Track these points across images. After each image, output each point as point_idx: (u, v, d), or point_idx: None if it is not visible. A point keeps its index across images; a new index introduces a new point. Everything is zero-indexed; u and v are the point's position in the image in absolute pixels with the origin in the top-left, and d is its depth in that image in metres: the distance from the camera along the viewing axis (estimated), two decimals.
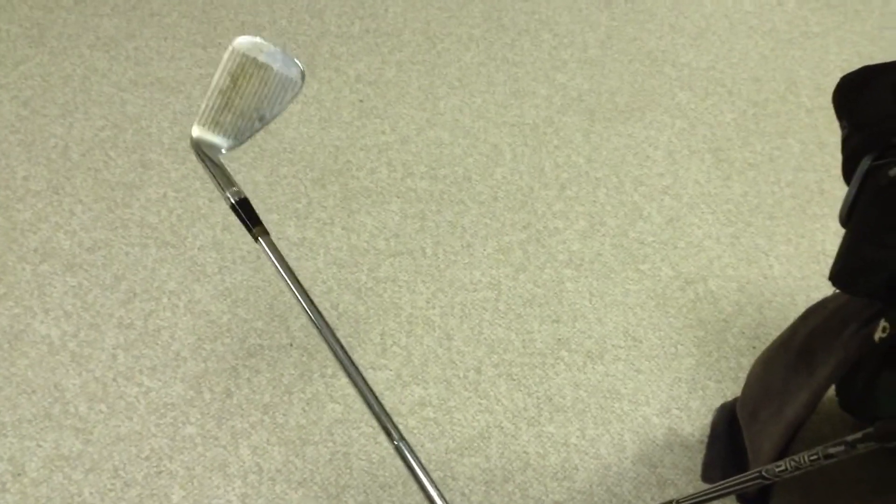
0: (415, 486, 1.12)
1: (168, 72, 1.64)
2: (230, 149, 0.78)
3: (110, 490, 1.09)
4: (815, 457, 0.70)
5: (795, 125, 1.71)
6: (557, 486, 1.14)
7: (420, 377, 1.25)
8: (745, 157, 1.64)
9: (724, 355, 1.31)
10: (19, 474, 1.09)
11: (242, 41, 0.80)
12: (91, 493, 1.08)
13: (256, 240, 0.76)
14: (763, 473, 0.74)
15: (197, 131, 0.78)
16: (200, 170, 1.48)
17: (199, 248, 1.37)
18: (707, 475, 1.13)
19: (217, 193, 1.45)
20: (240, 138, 0.79)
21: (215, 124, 0.78)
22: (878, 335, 0.76)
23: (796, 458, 0.72)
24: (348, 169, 1.53)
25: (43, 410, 1.16)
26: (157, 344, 1.25)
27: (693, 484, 1.15)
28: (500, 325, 1.33)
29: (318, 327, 0.80)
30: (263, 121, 0.80)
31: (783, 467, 0.73)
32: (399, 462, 1.14)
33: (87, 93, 1.58)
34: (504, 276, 1.39)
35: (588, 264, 1.42)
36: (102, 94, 1.58)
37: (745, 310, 1.37)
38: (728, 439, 1.13)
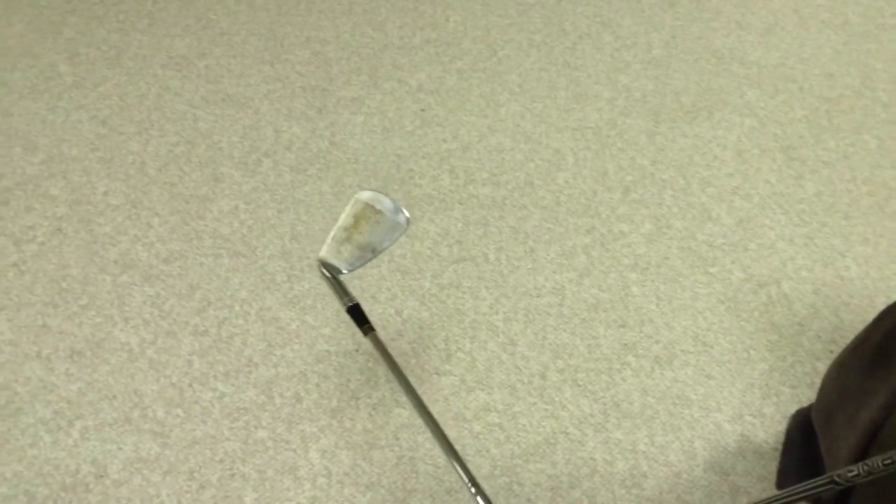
0: None
1: (238, 88, 1.70)
2: (349, 271, 0.96)
3: (186, 492, 1.13)
4: (888, 461, 0.67)
5: (871, 120, 1.65)
6: (626, 493, 1.12)
7: (484, 382, 1.25)
8: (819, 155, 1.58)
9: (798, 360, 1.26)
10: (101, 476, 1.14)
11: (365, 194, 1.00)
12: (168, 495, 1.12)
13: (366, 335, 0.93)
14: (835, 478, 0.72)
15: (323, 254, 0.97)
16: (270, 182, 1.53)
17: (268, 258, 1.41)
18: (782, 483, 1.09)
19: (285, 206, 1.49)
20: (355, 265, 0.97)
21: (338, 252, 0.97)
22: None
23: (869, 462, 0.69)
24: (411, 177, 1.55)
25: (123, 415, 1.21)
26: (231, 350, 1.29)
27: (767, 492, 1.12)
28: (564, 331, 1.32)
29: (426, 422, 0.89)
30: (375, 252, 0.98)
31: (855, 472, 0.70)
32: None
33: (161, 110, 1.65)
34: (568, 281, 1.39)
35: (654, 268, 1.40)
36: (176, 111, 1.65)
37: (820, 313, 1.32)
38: (803, 446, 1.09)
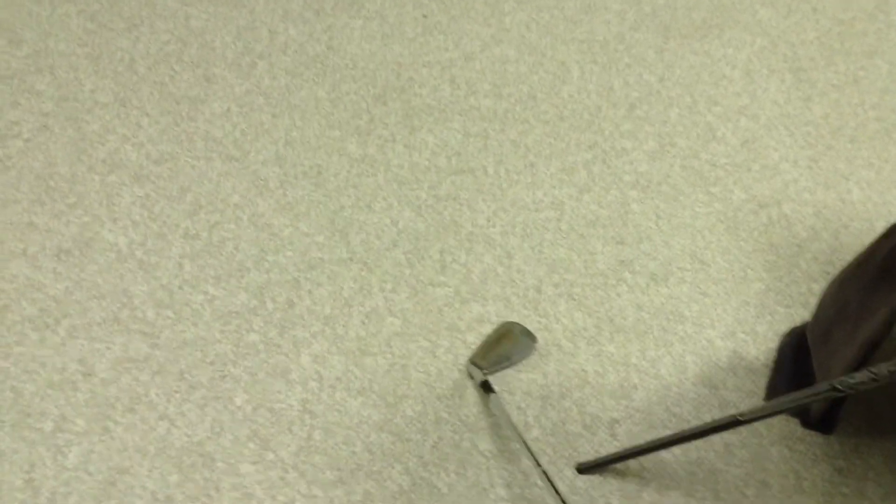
0: (470, 398, 1.12)
1: None
2: (486, 373, 1.14)
3: (176, 392, 1.12)
4: (894, 369, 0.66)
5: (884, 45, 1.60)
6: (615, 404, 1.12)
7: (479, 294, 1.24)
8: (828, 78, 1.54)
9: (794, 280, 1.26)
10: (89, 374, 1.13)
11: (511, 322, 1.21)
12: (157, 395, 1.12)
13: (488, 395, 1.12)
14: (836, 385, 0.71)
15: (473, 357, 1.17)
16: (264, 85, 1.48)
17: (262, 163, 1.38)
18: (771, 398, 1.10)
19: (279, 110, 1.45)
20: (493, 369, 1.15)
21: (483, 357, 1.16)
22: None
23: (874, 369, 0.68)
24: (410, 86, 1.50)
25: (112, 315, 1.19)
26: (222, 254, 1.27)
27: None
28: (561, 246, 1.30)
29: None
30: (510, 362, 1.17)
31: (859, 379, 0.69)
32: (455, 374, 1.14)
33: (152, 6, 1.58)
34: (567, 197, 1.36)
35: (656, 186, 1.38)
36: (167, 8, 1.58)
37: (820, 235, 1.31)
38: (795, 363, 1.09)
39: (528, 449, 1.01)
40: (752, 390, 1.14)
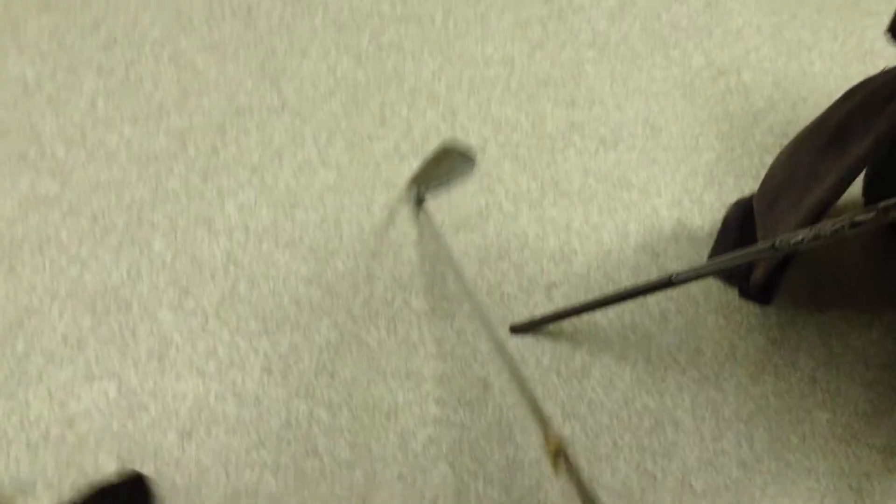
0: (405, 256, 1.07)
1: None
2: (425, 191, 1.12)
3: (89, 234, 1.04)
4: (838, 227, 0.62)
5: None
6: (554, 267, 1.09)
7: (420, 150, 1.17)
8: None
9: (747, 151, 1.21)
10: None
11: (448, 141, 1.18)
12: (68, 236, 1.04)
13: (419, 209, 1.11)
14: (776, 245, 0.67)
15: (412, 178, 1.14)
16: None
17: None
18: None
19: None
20: (431, 188, 1.13)
21: (424, 177, 1.13)
22: None
23: (817, 227, 0.64)
24: None
25: (18, 151, 1.09)
26: (140, 94, 1.16)
27: None
28: (509, 105, 1.23)
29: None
30: (449, 181, 1.14)
31: (800, 238, 0.65)
32: (391, 232, 1.09)
33: None
34: (519, 53, 1.28)
35: (613, 46, 1.30)
36: None
37: (777, 106, 1.26)
38: (739, 234, 1.06)
39: (456, 271, 1.02)
40: (693, 258, 1.11)
